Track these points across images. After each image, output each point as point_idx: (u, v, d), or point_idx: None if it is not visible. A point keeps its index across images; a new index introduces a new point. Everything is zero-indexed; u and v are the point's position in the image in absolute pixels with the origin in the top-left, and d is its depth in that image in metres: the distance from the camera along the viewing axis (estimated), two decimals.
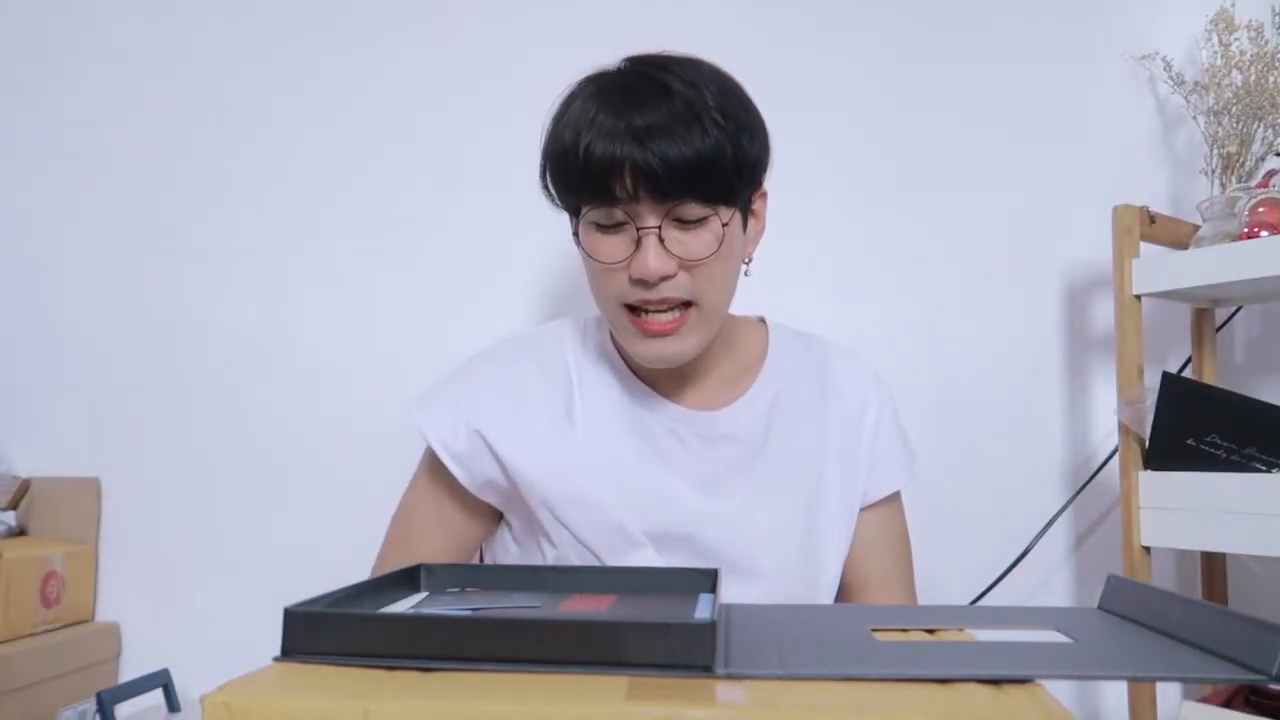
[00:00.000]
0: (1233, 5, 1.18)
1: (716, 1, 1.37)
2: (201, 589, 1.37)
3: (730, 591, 0.81)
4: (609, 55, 0.83)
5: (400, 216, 1.40)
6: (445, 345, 1.29)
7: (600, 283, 0.82)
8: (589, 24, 1.37)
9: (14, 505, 1.39)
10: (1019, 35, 1.33)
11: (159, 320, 1.43)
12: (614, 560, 0.83)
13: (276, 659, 0.44)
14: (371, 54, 1.42)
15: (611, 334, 0.91)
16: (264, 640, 0.49)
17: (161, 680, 1.25)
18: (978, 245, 1.32)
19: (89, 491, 1.39)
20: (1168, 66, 1.21)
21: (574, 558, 0.84)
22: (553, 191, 0.84)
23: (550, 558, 0.85)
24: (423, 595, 0.61)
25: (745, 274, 0.87)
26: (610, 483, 0.85)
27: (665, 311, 0.79)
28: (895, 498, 0.96)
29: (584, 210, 0.80)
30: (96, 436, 1.42)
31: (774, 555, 0.86)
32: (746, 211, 0.84)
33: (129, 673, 1.34)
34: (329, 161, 1.41)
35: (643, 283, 0.78)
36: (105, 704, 1.15)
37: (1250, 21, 1.17)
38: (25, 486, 1.39)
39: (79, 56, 1.48)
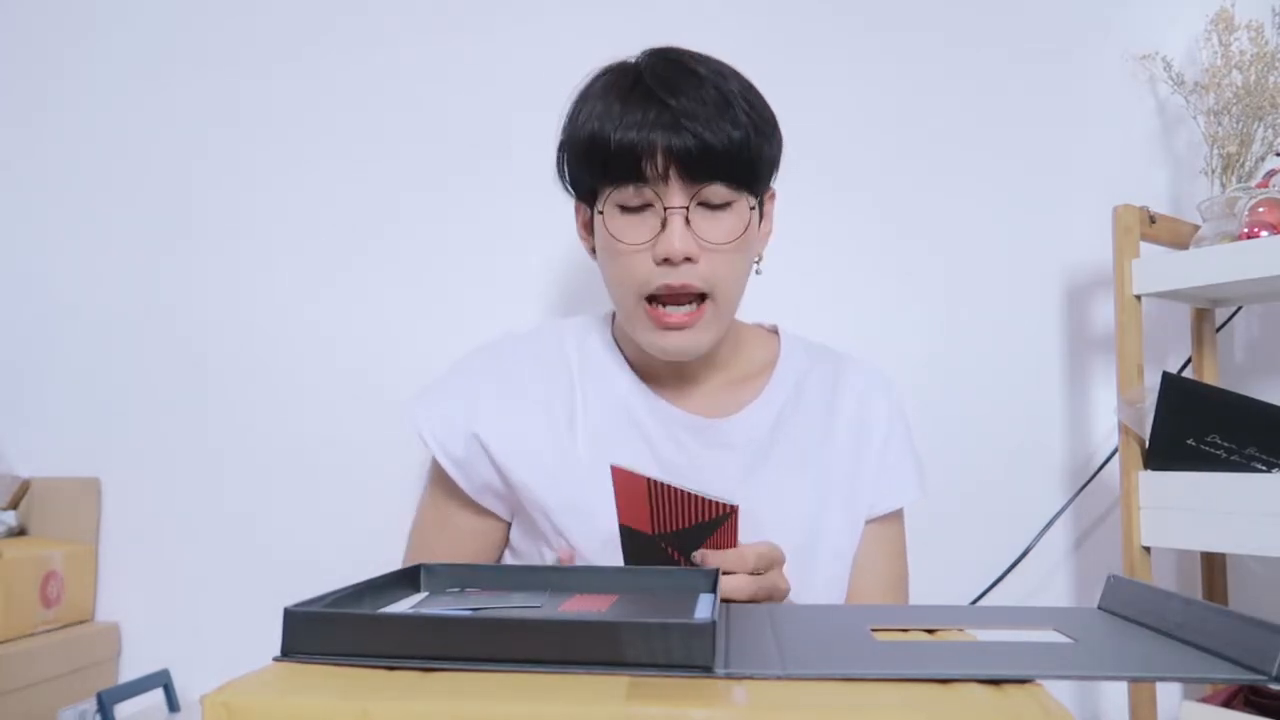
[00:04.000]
0: (1233, 5, 1.18)
1: (714, 7, 1.37)
2: (201, 589, 1.37)
3: None
4: (619, 52, 0.84)
5: (396, 218, 1.40)
6: (446, 347, 1.29)
7: (621, 269, 0.80)
8: (597, 24, 1.37)
9: (14, 505, 1.39)
10: (1019, 35, 1.33)
11: (159, 320, 1.43)
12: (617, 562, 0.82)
13: (276, 659, 0.44)
14: (378, 53, 1.42)
15: (615, 335, 0.91)
16: (264, 640, 0.49)
17: (161, 680, 1.25)
18: (978, 245, 1.32)
19: (89, 491, 1.39)
20: (1168, 66, 1.21)
21: (582, 550, 0.83)
22: (571, 177, 0.83)
23: (550, 562, 0.84)
24: (423, 595, 0.61)
25: (757, 272, 0.87)
26: (606, 490, 0.84)
27: (683, 305, 0.79)
28: (898, 515, 0.93)
29: (607, 193, 0.79)
30: (96, 436, 1.42)
31: None
32: (760, 208, 0.84)
33: (129, 673, 1.34)
34: (332, 160, 1.41)
35: (667, 263, 0.77)
36: (105, 704, 1.15)
37: (1250, 21, 1.17)
38: (25, 486, 1.39)
39: (88, 58, 1.48)
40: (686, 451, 0.85)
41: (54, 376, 1.45)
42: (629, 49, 0.85)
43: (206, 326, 1.41)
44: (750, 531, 0.85)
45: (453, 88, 1.40)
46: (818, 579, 0.86)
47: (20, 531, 1.38)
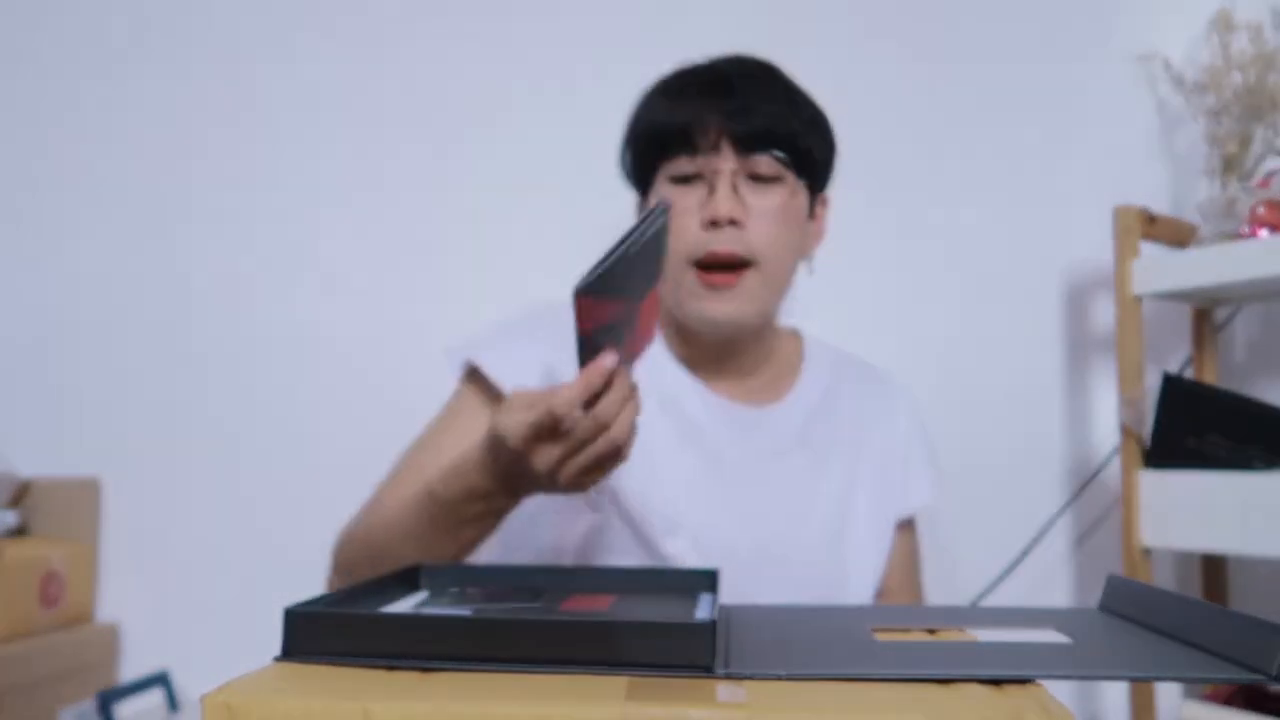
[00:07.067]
0: (1233, 5, 1.18)
1: (712, 3, 1.37)
2: (201, 589, 1.37)
3: (748, 591, 0.79)
4: (637, 60, 0.86)
5: (400, 218, 1.40)
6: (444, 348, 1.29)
7: (670, 234, 0.82)
8: (612, 30, 1.37)
9: (14, 505, 1.39)
10: (1019, 35, 1.33)
11: (159, 320, 1.42)
12: (650, 541, 0.82)
13: (276, 659, 0.44)
14: (389, 52, 1.42)
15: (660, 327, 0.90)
16: (264, 640, 0.49)
17: (161, 680, 1.25)
18: (978, 245, 1.32)
19: (89, 491, 1.39)
20: (1168, 66, 1.21)
21: (617, 526, 0.82)
22: (631, 164, 0.86)
23: (584, 526, 0.83)
24: (423, 595, 0.61)
25: (810, 273, 0.90)
26: (648, 467, 0.82)
27: (728, 269, 0.82)
28: (913, 525, 0.97)
29: (662, 167, 0.83)
30: (96, 436, 1.42)
31: (798, 555, 0.86)
32: (812, 203, 0.87)
33: (129, 673, 1.34)
34: (333, 160, 1.41)
35: (714, 226, 0.79)
36: (105, 704, 1.15)
37: (1250, 21, 1.16)
38: (25, 486, 1.39)
39: (87, 54, 1.48)
40: (727, 437, 0.87)
41: (54, 376, 1.44)
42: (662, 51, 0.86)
43: (207, 327, 1.41)
44: (781, 516, 0.86)
45: (473, 88, 1.39)
46: (849, 578, 0.88)
47: (20, 531, 1.38)
